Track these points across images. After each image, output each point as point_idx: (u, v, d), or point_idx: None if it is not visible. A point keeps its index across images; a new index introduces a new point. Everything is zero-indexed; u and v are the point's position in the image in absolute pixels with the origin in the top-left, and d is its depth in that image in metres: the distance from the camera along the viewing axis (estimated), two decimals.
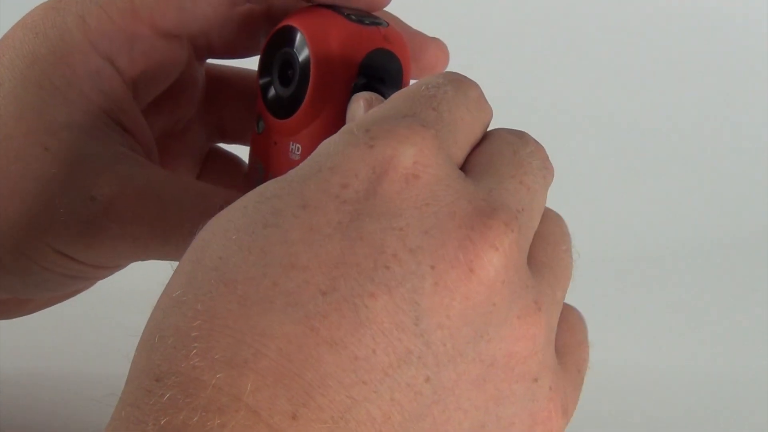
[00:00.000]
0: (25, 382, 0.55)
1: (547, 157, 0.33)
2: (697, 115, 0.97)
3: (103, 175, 0.37)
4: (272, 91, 0.39)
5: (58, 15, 0.38)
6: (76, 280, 0.40)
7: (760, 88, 0.98)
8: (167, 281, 0.29)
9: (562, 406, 0.30)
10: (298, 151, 0.38)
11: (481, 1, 0.98)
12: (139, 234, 0.37)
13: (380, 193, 0.28)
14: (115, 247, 0.37)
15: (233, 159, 0.46)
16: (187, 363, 0.26)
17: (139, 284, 0.41)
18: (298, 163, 0.36)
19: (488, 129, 0.33)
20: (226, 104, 0.44)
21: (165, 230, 0.37)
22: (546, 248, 0.32)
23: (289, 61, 0.38)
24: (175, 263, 0.30)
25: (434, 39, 0.41)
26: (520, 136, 0.33)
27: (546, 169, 0.32)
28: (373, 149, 0.29)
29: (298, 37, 0.37)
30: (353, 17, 0.38)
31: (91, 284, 0.44)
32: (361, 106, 0.35)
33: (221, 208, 0.30)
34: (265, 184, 0.30)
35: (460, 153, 0.31)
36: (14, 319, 0.45)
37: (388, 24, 0.38)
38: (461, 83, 0.32)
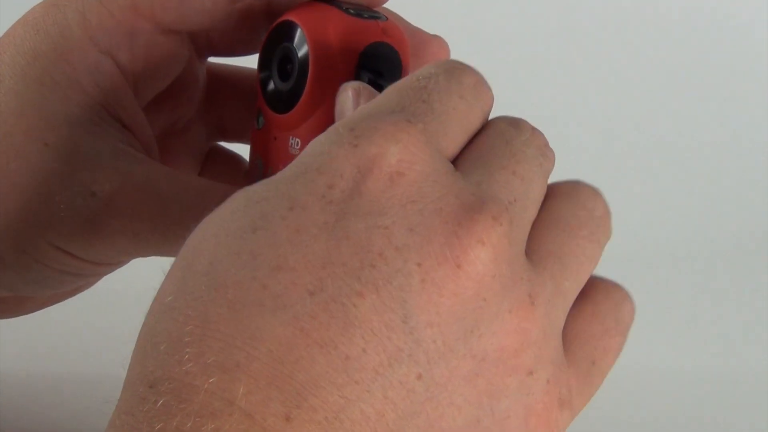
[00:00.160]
0: (25, 382, 0.55)
1: (546, 143, 0.33)
2: (697, 116, 0.97)
3: (104, 171, 0.37)
4: (272, 86, 0.39)
5: (59, 11, 0.38)
6: (76, 277, 0.40)
7: (761, 88, 0.98)
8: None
9: (560, 399, 0.30)
10: (297, 145, 0.38)
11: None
12: (140, 230, 0.37)
13: (365, 193, 0.28)
14: (115, 243, 0.37)
15: (234, 157, 0.46)
16: (179, 368, 0.26)
17: (140, 286, 0.41)
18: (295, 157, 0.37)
19: (491, 117, 0.33)
20: (227, 103, 0.44)
21: (165, 226, 0.37)
22: (556, 235, 0.31)
23: (288, 55, 0.38)
24: (168, 267, 0.30)
25: (435, 36, 0.41)
26: (516, 125, 0.32)
27: (544, 156, 0.32)
28: (357, 148, 0.28)
29: (297, 31, 0.38)
30: (351, 11, 0.38)
31: (92, 283, 0.43)
32: (349, 96, 0.34)
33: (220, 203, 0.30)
34: (253, 186, 0.29)
35: (453, 145, 0.31)
36: (14, 320, 0.45)
37: (387, 18, 0.38)
38: (455, 70, 0.32)
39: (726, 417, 0.61)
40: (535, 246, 0.31)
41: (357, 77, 0.37)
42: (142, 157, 0.38)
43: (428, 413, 0.27)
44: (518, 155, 0.31)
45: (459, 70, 0.32)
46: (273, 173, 0.30)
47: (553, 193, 0.33)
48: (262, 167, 0.40)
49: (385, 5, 0.40)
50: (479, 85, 0.32)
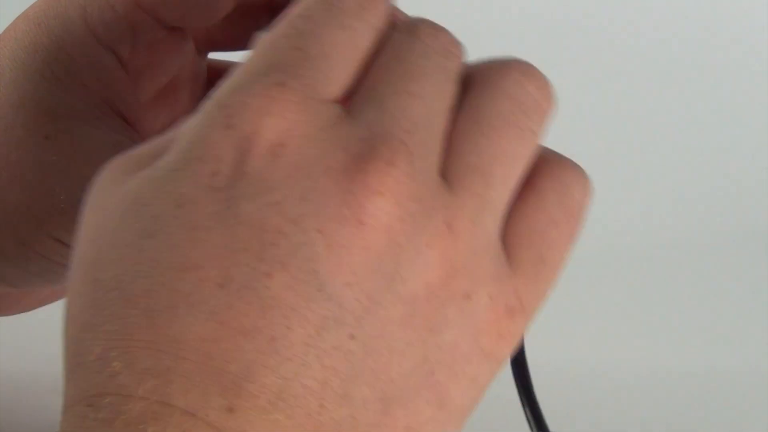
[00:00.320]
0: (25, 382, 0.55)
1: (451, 41, 0.30)
2: (695, 111, 0.97)
3: (103, 164, 0.37)
4: None
5: (60, 5, 0.39)
6: None
7: (760, 81, 0.98)
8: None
9: (508, 309, 0.29)
10: None
11: None
12: None
13: (249, 173, 0.27)
14: None
15: None
16: (113, 382, 0.26)
17: None
18: None
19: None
20: None
21: None
22: (475, 143, 0.29)
23: None
24: None
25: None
26: (412, 32, 0.30)
27: (447, 57, 0.30)
28: (231, 129, 0.27)
29: None
30: None
31: None
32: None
33: None
34: (137, 184, 0.28)
35: (338, 87, 0.29)
36: (14, 320, 0.45)
37: None
38: None
39: (725, 416, 0.61)
40: (453, 161, 0.29)
41: None
42: None
43: (372, 367, 0.27)
44: (413, 72, 0.29)
45: None
46: None
47: (473, 87, 0.30)
48: None
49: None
50: (365, 4, 0.29)
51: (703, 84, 0.98)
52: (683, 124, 0.96)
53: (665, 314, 0.74)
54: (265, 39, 0.29)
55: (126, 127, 0.39)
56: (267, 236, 0.26)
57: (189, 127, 0.28)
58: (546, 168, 0.30)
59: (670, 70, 0.99)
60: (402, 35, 0.30)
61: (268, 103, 0.27)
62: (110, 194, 0.28)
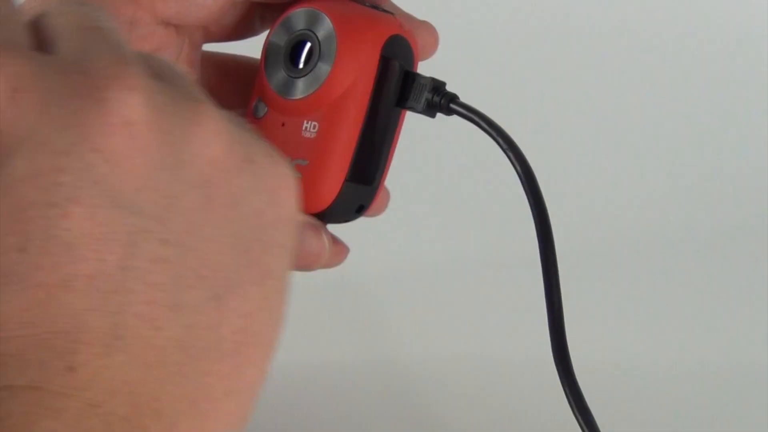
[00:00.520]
0: None
1: None
2: (694, 108, 0.97)
3: None
4: (282, 72, 0.41)
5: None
6: None
7: (760, 80, 0.98)
8: None
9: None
10: (314, 128, 0.40)
11: None
12: None
13: (2, 130, 0.25)
14: None
15: None
16: None
17: None
18: (311, 141, 0.40)
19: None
20: (220, 90, 0.45)
21: None
22: None
23: (307, 41, 0.40)
24: None
25: (423, 22, 0.42)
26: None
27: None
28: None
29: (321, 18, 0.40)
30: (367, 3, 0.41)
31: None
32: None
33: None
34: None
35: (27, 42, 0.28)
36: None
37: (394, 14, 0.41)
38: None
39: (726, 416, 0.61)
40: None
41: (382, 63, 0.40)
42: None
43: (192, 267, 0.27)
44: None
45: None
46: None
47: None
48: None
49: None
50: None
51: (703, 81, 0.98)
52: (686, 123, 0.96)
53: (667, 311, 0.74)
54: None
55: None
56: (48, 179, 0.25)
57: None
58: None
59: (671, 68, 0.99)
60: None
61: None
62: None
